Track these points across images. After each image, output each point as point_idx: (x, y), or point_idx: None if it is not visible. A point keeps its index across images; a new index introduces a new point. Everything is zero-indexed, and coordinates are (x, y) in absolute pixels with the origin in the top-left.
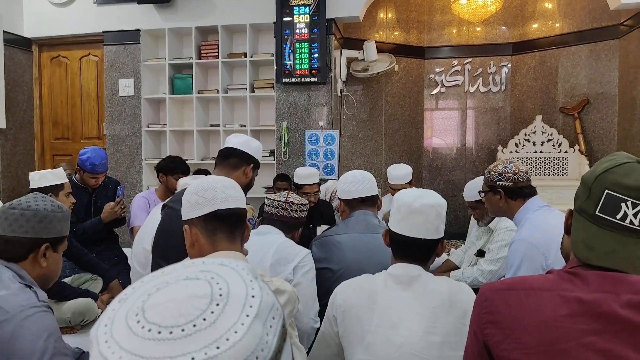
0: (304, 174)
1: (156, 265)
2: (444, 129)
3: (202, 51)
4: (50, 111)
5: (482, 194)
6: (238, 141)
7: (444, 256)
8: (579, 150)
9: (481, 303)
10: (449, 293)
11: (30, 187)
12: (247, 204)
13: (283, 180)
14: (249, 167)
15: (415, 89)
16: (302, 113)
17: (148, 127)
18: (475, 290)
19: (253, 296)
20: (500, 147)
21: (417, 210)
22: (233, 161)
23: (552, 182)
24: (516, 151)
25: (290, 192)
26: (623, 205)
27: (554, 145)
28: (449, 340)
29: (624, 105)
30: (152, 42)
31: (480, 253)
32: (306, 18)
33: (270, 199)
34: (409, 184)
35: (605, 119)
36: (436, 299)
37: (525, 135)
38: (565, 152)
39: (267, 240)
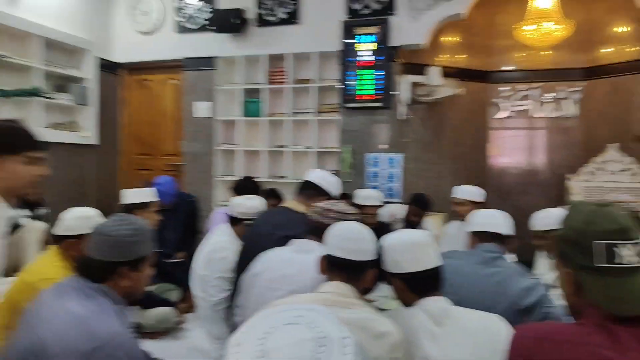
0: (363, 196)
1: None
2: (510, 154)
3: (271, 77)
4: (135, 129)
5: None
6: (316, 175)
7: None
8: None
9: (517, 349)
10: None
11: (122, 203)
12: None
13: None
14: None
15: (480, 112)
16: (365, 136)
17: (221, 146)
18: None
19: (344, 337)
20: (569, 175)
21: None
22: (308, 193)
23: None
24: (590, 180)
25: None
26: (616, 249)
27: (631, 175)
28: None
29: None
30: (226, 68)
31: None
32: (371, 46)
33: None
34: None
35: None
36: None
37: (598, 163)
38: None
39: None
